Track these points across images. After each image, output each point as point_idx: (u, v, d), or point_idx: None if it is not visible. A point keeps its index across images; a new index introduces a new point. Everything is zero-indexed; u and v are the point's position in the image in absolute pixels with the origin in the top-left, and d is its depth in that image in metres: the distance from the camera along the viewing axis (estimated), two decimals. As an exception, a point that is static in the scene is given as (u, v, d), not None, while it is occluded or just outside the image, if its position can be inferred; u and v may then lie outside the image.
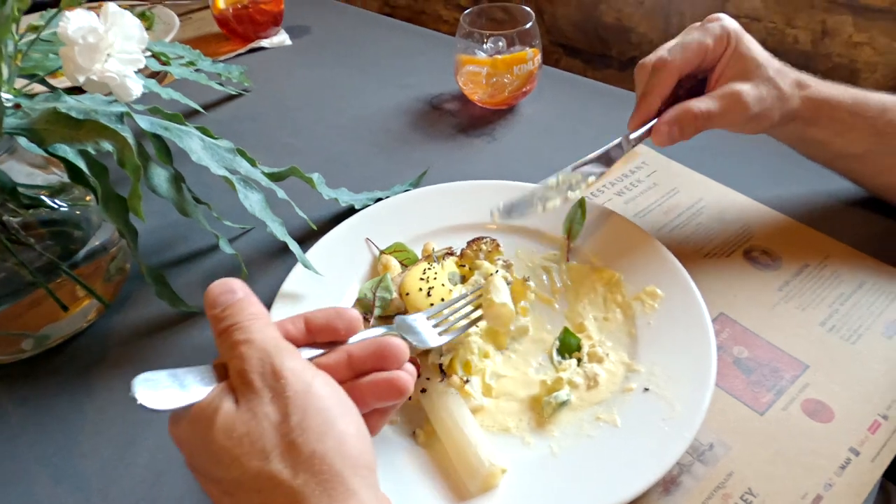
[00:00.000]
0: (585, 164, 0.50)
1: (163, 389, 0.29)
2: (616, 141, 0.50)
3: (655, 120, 0.50)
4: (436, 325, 0.43)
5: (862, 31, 0.84)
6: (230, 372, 0.30)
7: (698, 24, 0.51)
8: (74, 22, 0.38)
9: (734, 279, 0.53)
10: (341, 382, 0.32)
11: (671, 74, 0.49)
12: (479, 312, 0.45)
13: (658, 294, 0.49)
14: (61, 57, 0.38)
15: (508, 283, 0.48)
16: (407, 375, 0.33)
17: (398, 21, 1.08)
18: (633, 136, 0.50)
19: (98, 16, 0.39)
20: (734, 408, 0.44)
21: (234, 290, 0.32)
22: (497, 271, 0.48)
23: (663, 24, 1.00)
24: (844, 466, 0.40)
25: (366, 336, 0.36)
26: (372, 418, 0.34)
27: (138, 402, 0.28)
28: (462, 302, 0.45)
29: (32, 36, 0.42)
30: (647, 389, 0.43)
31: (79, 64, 0.38)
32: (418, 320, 0.42)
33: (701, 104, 0.49)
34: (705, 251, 0.56)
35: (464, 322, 0.44)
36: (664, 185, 0.64)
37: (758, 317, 0.50)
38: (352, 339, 0.35)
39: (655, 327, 0.47)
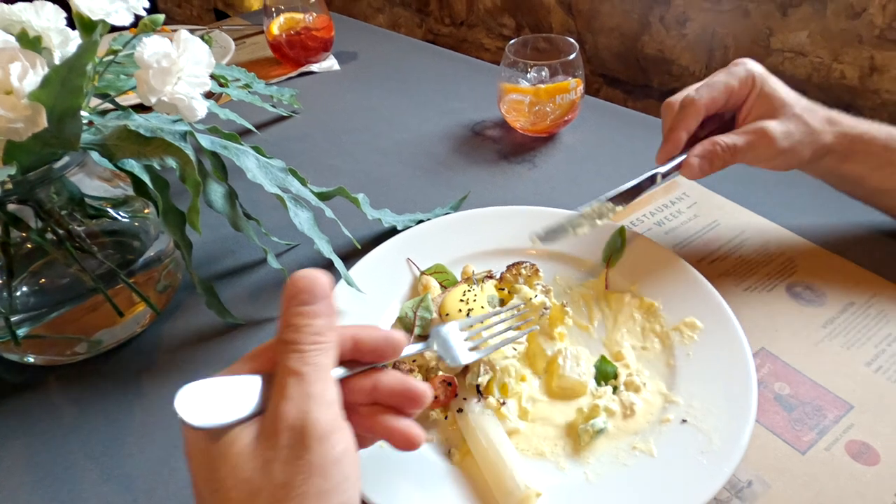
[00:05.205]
0: (618, 195, 0.52)
1: (206, 404, 0.29)
2: (648, 174, 0.53)
3: (684, 155, 0.52)
4: (467, 339, 0.43)
5: (912, 68, 0.82)
6: (271, 400, 0.29)
7: (724, 68, 0.53)
8: (150, 47, 0.40)
9: (776, 314, 0.52)
10: (358, 404, 0.33)
11: (698, 111, 0.52)
12: (512, 333, 0.45)
13: (697, 326, 0.49)
14: (136, 79, 0.41)
15: (547, 309, 0.49)
16: (421, 432, 0.33)
17: (442, 48, 1.11)
18: (665, 169, 0.52)
19: (171, 41, 0.42)
20: (774, 445, 0.43)
21: (315, 295, 0.31)
22: (537, 295, 0.49)
23: (706, 58, 1.00)
24: (891, 512, 0.39)
25: (404, 354, 0.36)
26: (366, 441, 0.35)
27: (179, 415, 0.28)
28: (496, 319, 0.46)
29: (110, 58, 0.45)
30: (684, 421, 0.43)
31: (152, 86, 0.41)
32: (451, 333, 0.42)
33: (728, 139, 0.51)
34: (746, 284, 0.55)
35: (496, 340, 0.44)
36: (705, 216, 0.64)
37: (800, 353, 0.49)
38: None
39: (694, 359, 0.47)
